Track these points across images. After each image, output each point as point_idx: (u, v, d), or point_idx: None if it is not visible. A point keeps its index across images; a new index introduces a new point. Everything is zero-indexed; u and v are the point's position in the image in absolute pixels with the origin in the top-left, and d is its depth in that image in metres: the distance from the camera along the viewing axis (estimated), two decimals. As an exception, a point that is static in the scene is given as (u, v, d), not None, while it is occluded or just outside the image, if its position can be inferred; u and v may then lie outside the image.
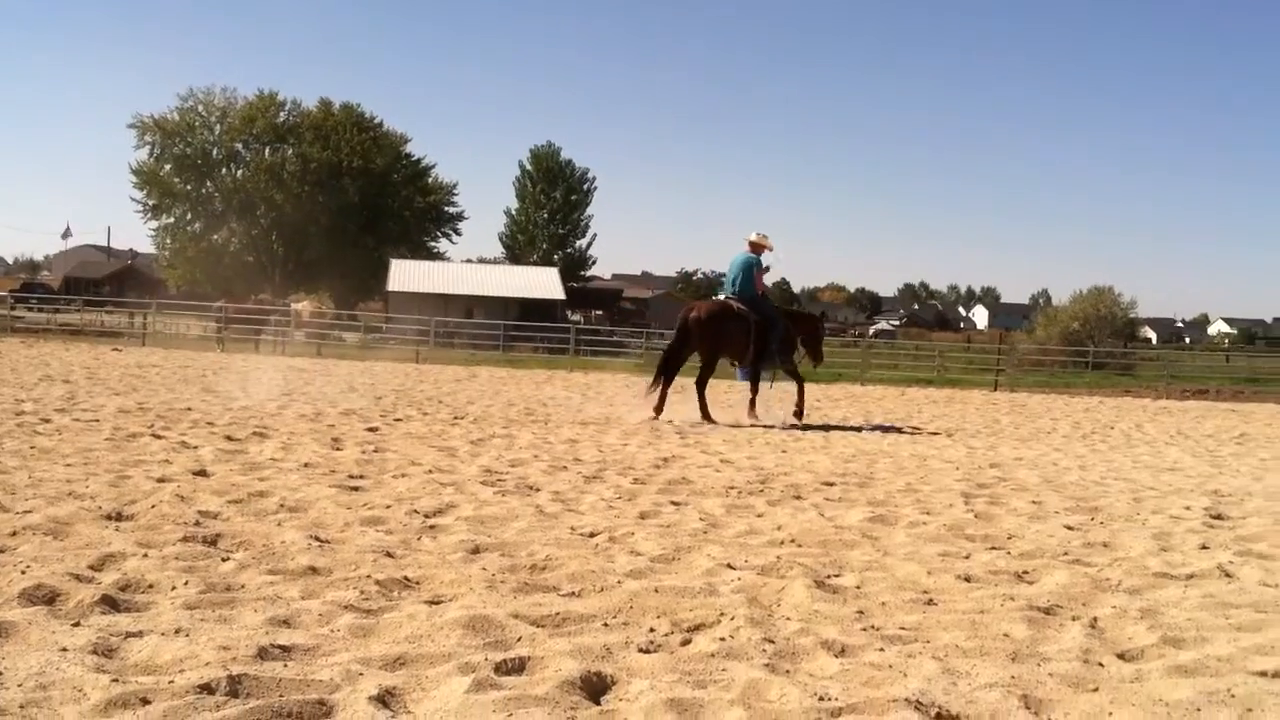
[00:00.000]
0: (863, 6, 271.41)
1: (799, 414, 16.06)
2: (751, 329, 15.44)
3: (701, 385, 15.89)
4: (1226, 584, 5.91)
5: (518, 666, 4.07)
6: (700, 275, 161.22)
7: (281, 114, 75.15)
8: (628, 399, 20.27)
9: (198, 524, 6.26)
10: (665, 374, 15.66)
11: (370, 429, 12.02)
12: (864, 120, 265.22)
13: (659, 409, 15.22)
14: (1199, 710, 3.81)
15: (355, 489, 7.86)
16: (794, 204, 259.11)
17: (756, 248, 16.04)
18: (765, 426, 15.17)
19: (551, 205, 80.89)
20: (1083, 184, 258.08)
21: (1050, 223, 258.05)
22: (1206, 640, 4.72)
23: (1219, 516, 8.24)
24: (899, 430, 15.65)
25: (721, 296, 16.62)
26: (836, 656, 4.32)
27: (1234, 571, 6.20)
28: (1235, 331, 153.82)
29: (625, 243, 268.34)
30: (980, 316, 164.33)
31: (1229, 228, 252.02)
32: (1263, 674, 4.24)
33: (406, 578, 5.28)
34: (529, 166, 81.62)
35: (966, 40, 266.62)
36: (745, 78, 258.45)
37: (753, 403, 16.12)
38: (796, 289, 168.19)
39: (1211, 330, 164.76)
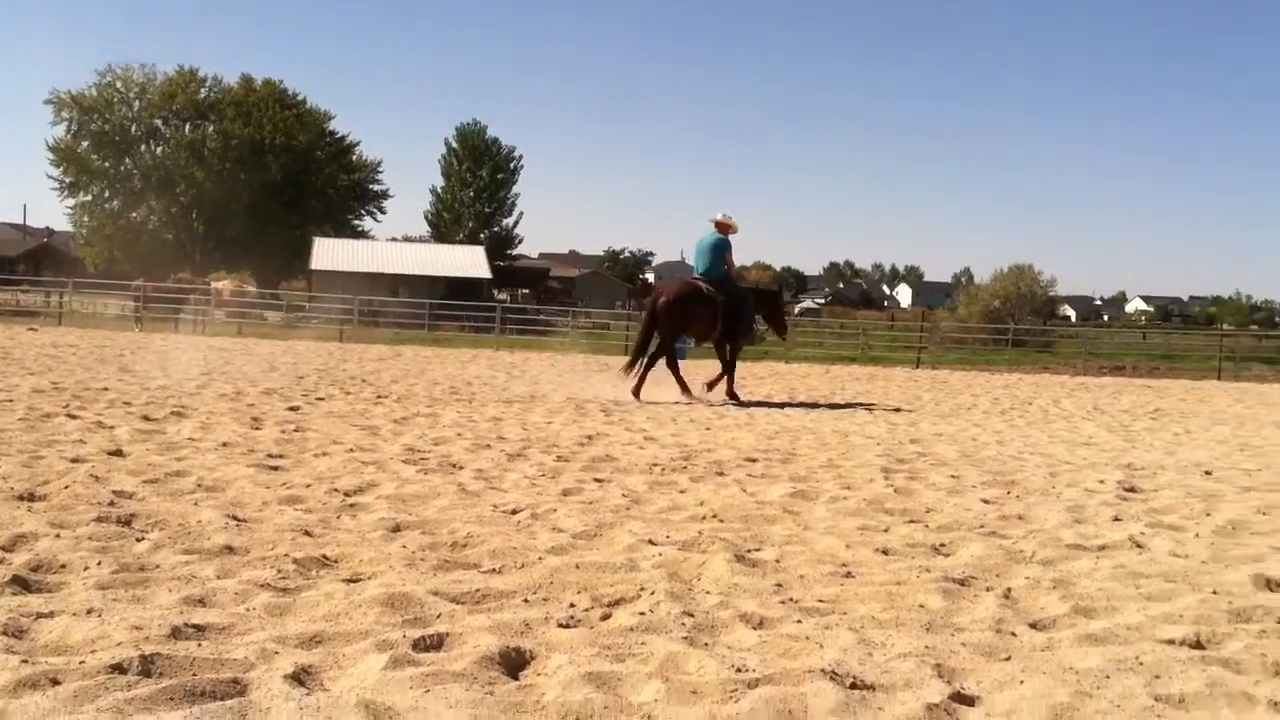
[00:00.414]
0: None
1: (711, 386, 16.18)
2: (719, 309, 15.62)
3: (669, 362, 15.92)
4: (1137, 555, 6.03)
5: (436, 643, 4.05)
6: (628, 254, 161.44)
7: (202, 90, 73.92)
8: (553, 377, 20.28)
9: (112, 504, 6.16)
10: (639, 356, 15.76)
11: (291, 408, 11.90)
12: (788, 100, 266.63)
13: (637, 390, 15.36)
14: (1108, 678, 3.89)
15: (274, 468, 7.78)
16: (719, 183, 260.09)
17: (723, 228, 16.16)
18: (743, 404, 15.55)
19: (478, 184, 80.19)
20: (1004, 163, 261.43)
21: (973, 202, 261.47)
22: (1117, 610, 4.81)
23: (1132, 489, 8.40)
24: (822, 406, 15.77)
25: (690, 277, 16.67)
26: (755, 629, 4.35)
27: (1145, 543, 6.32)
28: (1152, 309, 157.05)
29: (553, 222, 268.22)
30: (904, 295, 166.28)
31: (1146, 207, 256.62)
32: (1170, 642, 4.33)
33: (325, 556, 5.24)
34: (455, 145, 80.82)
35: (885, 18, 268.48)
36: (670, 57, 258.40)
37: (730, 380, 16.22)
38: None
39: (1129, 308, 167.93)
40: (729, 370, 16.30)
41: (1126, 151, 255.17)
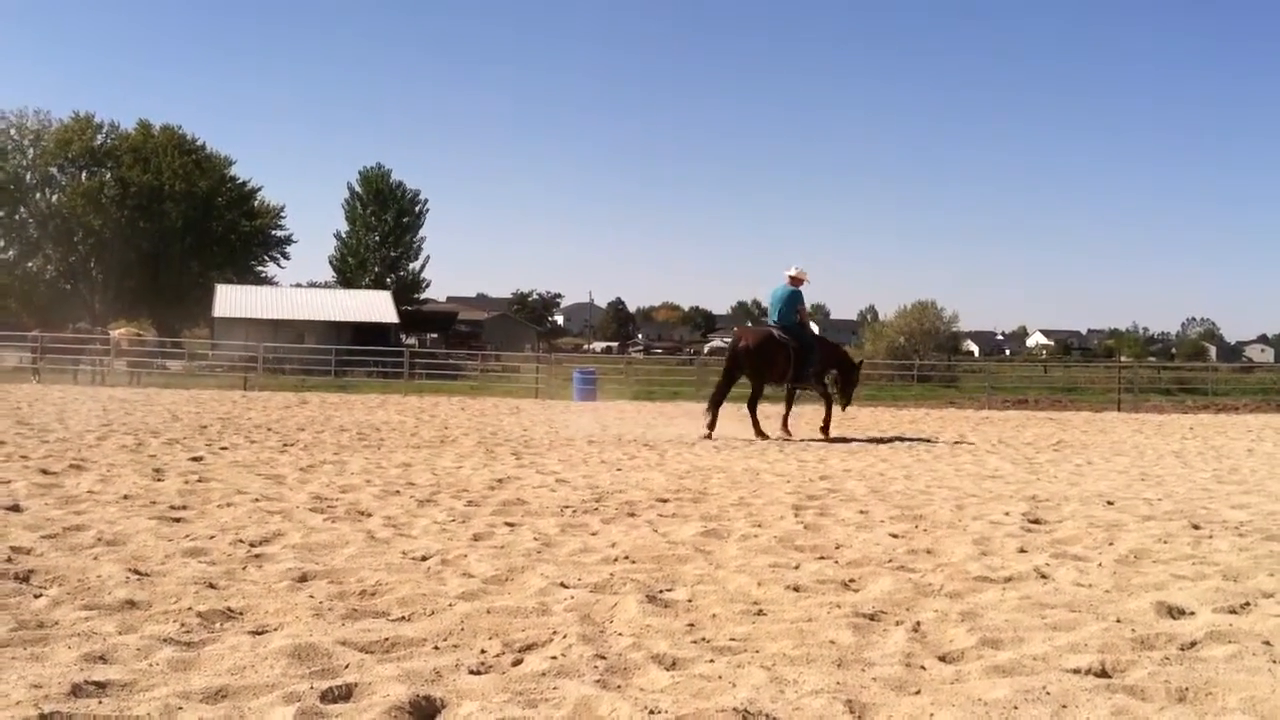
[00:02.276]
0: (662, 28, 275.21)
1: (825, 429, 18.00)
2: (791, 354, 17.46)
3: (753, 405, 17.92)
4: (1043, 585, 6.12)
5: (344, 694, 3.99)
6: (536, 296, 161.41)
7: (99, 137, 72.83)
8: (462, 421, 20.16)
9: (9, 560, 6.00)
10: (719, 397, 17.70)
11: (194, 458, 11.68)
12: (692, 139, 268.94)
13: (711, 427, 17.27)
14: (1015, 708, 3.94)
15: (177, 520, 7.62)
16: (626, 223, 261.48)
17: (796, 281, 17.98)
18: (801, 440, 17.15)
19: (383, 228, 79.71)
20: (905, 199, 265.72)
21: (877, 239, 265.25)
22: (1023, 640, 4.88)
23: (1036, 521, 8.54)
24: (732, 446, 15.84)
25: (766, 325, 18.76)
26: (667, 670, 4.34)
27: (1050, 573, 6.43)
28: (1052, 343, 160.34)
29: (460, 265, 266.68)
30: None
31: (1045, 242, 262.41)
32: (1076, 671, 4.40)
33: (230, 608, 5.14)
34: (358, 189, 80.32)
35: (785, 55, 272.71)
36: (571, 99, 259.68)
37: (785, 418, 18.26)
38: (631, 308, 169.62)
39: (1030, 342, 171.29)
40: (826, 411, 18.43)
41: (1025, 188, 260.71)
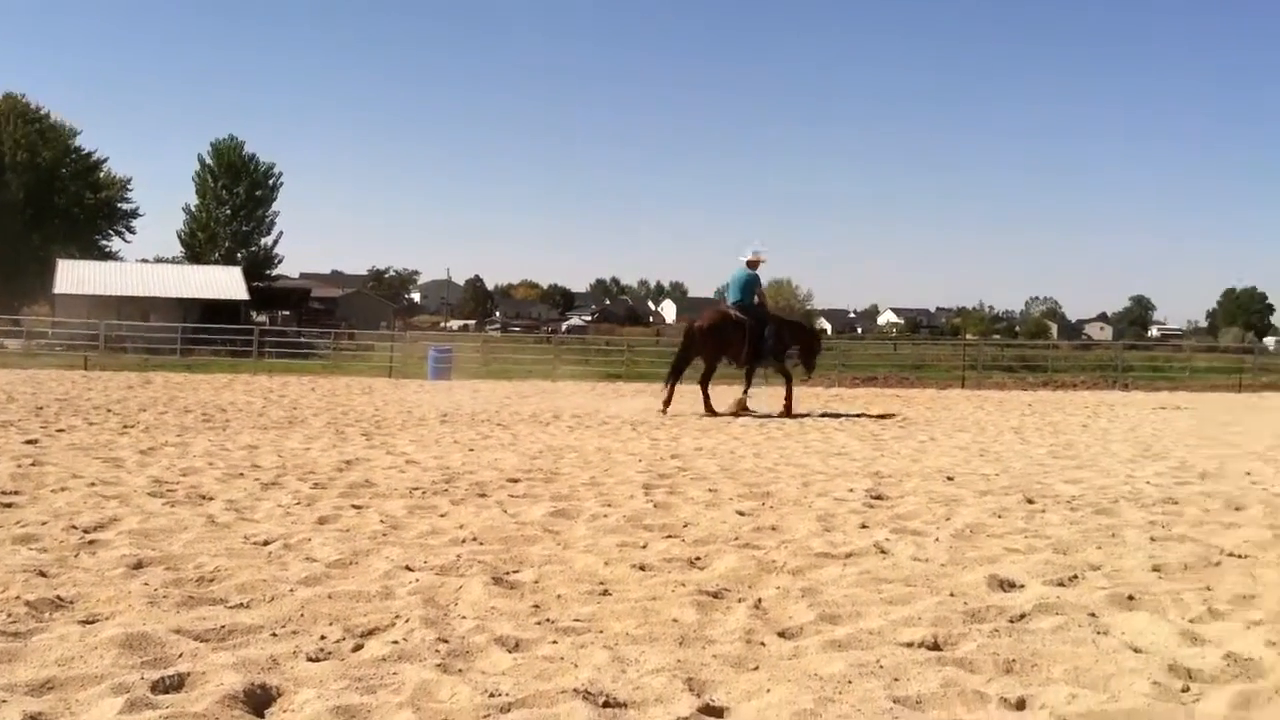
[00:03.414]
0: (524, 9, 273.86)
1: (788, 408, 18.55)
2: (746, 333, 18.05)
3: (704, 383, 18.52)
4: (882, 560, 6.28)
5: (176, 684, 3.90)
6: (393, 273, 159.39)
7: (-64, 104, 69.61)
8: (312, 401, 19.84)
9: None
10: (675, 374, 18.48)
11: (29, 441, 11.27)
12: (553, 117, 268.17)
13: (667, 403, 18.25)
14: (850, 682, 4.04)
15: (8, 505, 7.36)
16: (484, 200, 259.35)
17: (753, 264, 18.71)
18: (762, 416, 17.88)
19: (234, 201, 77.55)
20: (760, 178, 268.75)
21: (733, 217, 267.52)
22: (860, 615, 5.00)
23: (879, 497, 8.75)
24: (586, 425, 15.88)
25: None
26: (510, 652, 4.35)
27: (889, 549, 6.59)
28: (902, 321, 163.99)
29: (314, 241, 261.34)
30: (669, 310, 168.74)
31: (896, 221, 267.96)
32: (909, 644, 4.53)
33: (59, 597, 4.98)
34: (210, 161, 78.01)
35: (645, 35, 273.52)
36: (424, 71, 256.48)
37: (744, 396, 18.77)
38: (490, 286, 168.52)
39: (881, 320, 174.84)
40: (787, 390, 18.94)
41: (878, 168, 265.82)
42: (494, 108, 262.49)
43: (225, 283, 62.61)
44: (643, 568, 5.94)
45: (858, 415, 19.16)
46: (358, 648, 4.41)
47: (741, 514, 7.78)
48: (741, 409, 18.44)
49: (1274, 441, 14.82)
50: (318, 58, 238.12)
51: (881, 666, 4.20)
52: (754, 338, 18.16)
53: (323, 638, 4.51)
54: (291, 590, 5.20)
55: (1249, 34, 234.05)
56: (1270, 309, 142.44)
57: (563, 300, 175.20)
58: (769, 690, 3.93)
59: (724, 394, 19.00)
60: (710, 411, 18.01)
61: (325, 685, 3.91)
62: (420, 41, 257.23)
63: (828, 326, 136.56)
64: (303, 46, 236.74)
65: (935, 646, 4.53)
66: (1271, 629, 4.75)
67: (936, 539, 6.89)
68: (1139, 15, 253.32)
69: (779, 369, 19.26)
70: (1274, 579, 5.85)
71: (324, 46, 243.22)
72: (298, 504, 7.83)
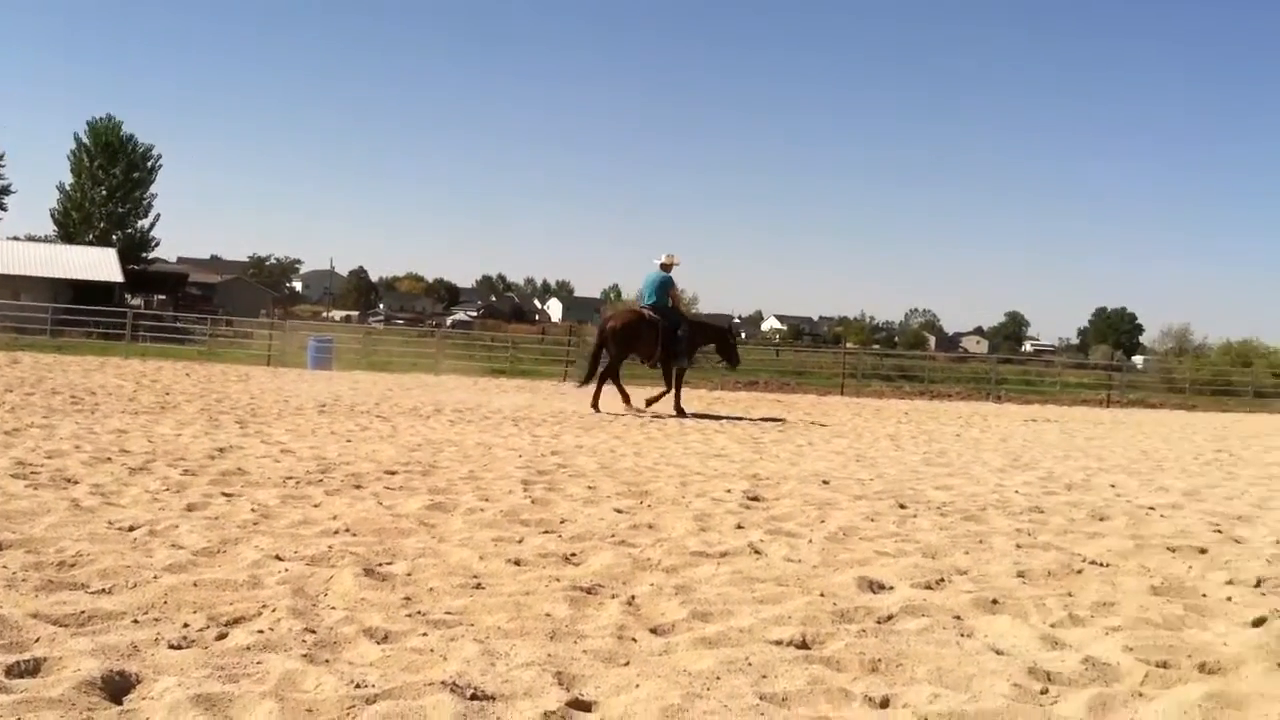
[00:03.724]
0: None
1: (651, 402, 19.10)
2: (659, 334, 18.60)
3: (613, 377, 19.02)
4: (755, 560, 6.33)
5: (32, 668, 3.79)
6: (274, 260, 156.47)
7: None
8: (186, 387, 19.41)
9: None
10: (592, 373, 19.18)
11: (-116, 419, 10.85)
12: (440, 111, 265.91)
13: (595, 402, 18.67)
14: (718, 679, 4.07)
15: None
16: (369, 191, 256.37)
17: (666, 267, 19.15)
18: (695, 416, 18.75)
19: (111, 182, 75.39)
20: (648, 179, 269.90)
21: (621, 219, 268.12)
22: (732, 613, 5.04)
23: (756, 498, 8.83)
24: (468, 420, 15.77)
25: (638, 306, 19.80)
26: (379, 643, 4.30)
27: (763, 549, 6.66)
28: (785, 328, 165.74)
29: (194, 225, 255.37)
30: (555, 309, 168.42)
31: (783, 229, 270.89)
32: (778, 643, 4.58)
33: (-90, 580, 4.80)
34: (86, 140, 75.80)
35: (521, 26, 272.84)
36: (310, 59, 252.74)
37: (677, 397, 19.19)
38: (374, 278, 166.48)
39: (765, 326, 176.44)
40: (676, 389, 19.25)
41: (768, 176, 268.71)
42: (380, 98, 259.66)
43: (99, 264, 60.96)
44: (517, 562, 5.91)
45: (738, 418, 19.34)
46: (222, 636, 4.32)
47: (619, 512, 7.80)
48: (648, 404, 19.04)
49: (1138, 455, 15.30)
50: (200, 40, 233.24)
51: (750, 664, 4.23)
52: (667, 339, 18.70)
53: (186, 625, 4.41)
54: (156, 577, 5.08)
55: (1114, 53, 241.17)
56: (1139, 329, 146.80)
57: (448, 295, 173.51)
58: (638, 685, 3.94)
59: (634, 395, 19.46)
60: (595, 407, 18.52)
61: (186, 673, 3.83)
62: (304, 25, 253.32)
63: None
64: (185, 28, 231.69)
65: (804, 645, 4.59)
66: (1129, 635, 4.89)
67: (810, 541, 6.98)
68: (1005, 27, 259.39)
69: (671, 371, 19.42)
70: (1133, 587, 6.03)
71: (207, 29, 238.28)
72: (166, 490, 7.65)
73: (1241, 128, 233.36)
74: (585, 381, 19.43)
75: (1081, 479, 11.58)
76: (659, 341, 18.71)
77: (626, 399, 19.00)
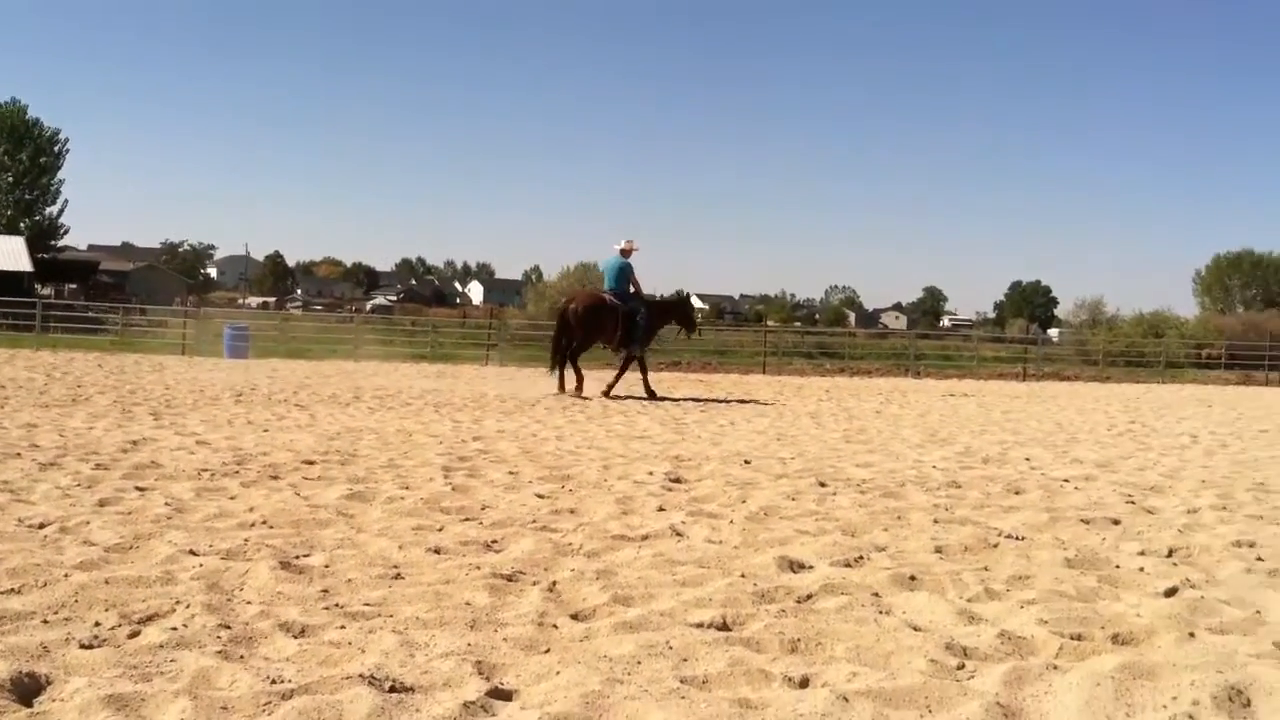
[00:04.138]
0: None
1: (609, 388, 19.38)
2: (620, 319, 18.92)
3: (574, 358, 19.31)
4: (677, 543, 6.35)
5: (-65, 674, 3.69)
6: (188, 247, 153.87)
7: None
8: (99, 379, 19.05)
9: None
10: (556, 358, 19.37)
11: None
12: (351, 89, 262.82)
13: (561, 387, 19.19)
14: (639, 663, 4.07)
15: None
16: (284, 174, 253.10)
17: (626, 253, 19.43)
18: (662, 399, 19.18)
19: (16, 168, 73.66)
20: (569, 159, 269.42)
21: (542, 201, 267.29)
22: (653, 597, 5.04)
23: (677, 480, 8.85)
24: (388, 406, 15.65)
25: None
26: (295, 637, 4.25)
27: (684, 531, 6.68)
28: (707, 307, 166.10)
29: (104, 212, 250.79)
30: (476, 292, 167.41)
31: (703, 207, 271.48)
32: (699, 625, 4.59)
33: None
34: (-10, 125, 74.05)
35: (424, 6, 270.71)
36: (221, 40, 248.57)
37: (645, 381, 19.91)
38: (290, 262, 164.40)
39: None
40: (642, 372, 19.96)
41: (681, 154, 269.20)
42: (292, 79, 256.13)
43: (6, 253, 59.49)
44: (437, 551, 5.87)
45: (661, 399, 19.32)
46: (134, 634, 4.24)
47: (541, 497, 7.77)
48: (609, 388, 19.39)
49: (1053, 428, 15.56)
50: (106, 18, 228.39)
51: (671, 647, 4.24)
52: (627, 323, 19.05)
53: (97, 624, 4.32)
54: (66, 575, 4.97)
55: (1037, 36, 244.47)
56: (1054, 302, 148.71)
57: (367, 279, 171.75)
58: (559, 672, 3.93)
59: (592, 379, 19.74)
60: (561, 389, 19.11)
61: (98, 673, 3.75)
62: (218, 7, 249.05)
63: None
64: (93, 10, 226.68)
65: (724, 627, 4.61)
66: (1044, 608, 4.97)
67: (731, 521, 7.01)
68: (937, 9, 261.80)
69: (628, 357, 19.78)
70: (1048, 560, 6.13)
71: (114, 11, 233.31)
72: (78, 485, 7.49)
73: (1143, 92, 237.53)
74: (552, 367, 19.57)
75: (998, 453, 11.76)
76: (619, 325, 19.02)
77: (580, 385, 19.13)
